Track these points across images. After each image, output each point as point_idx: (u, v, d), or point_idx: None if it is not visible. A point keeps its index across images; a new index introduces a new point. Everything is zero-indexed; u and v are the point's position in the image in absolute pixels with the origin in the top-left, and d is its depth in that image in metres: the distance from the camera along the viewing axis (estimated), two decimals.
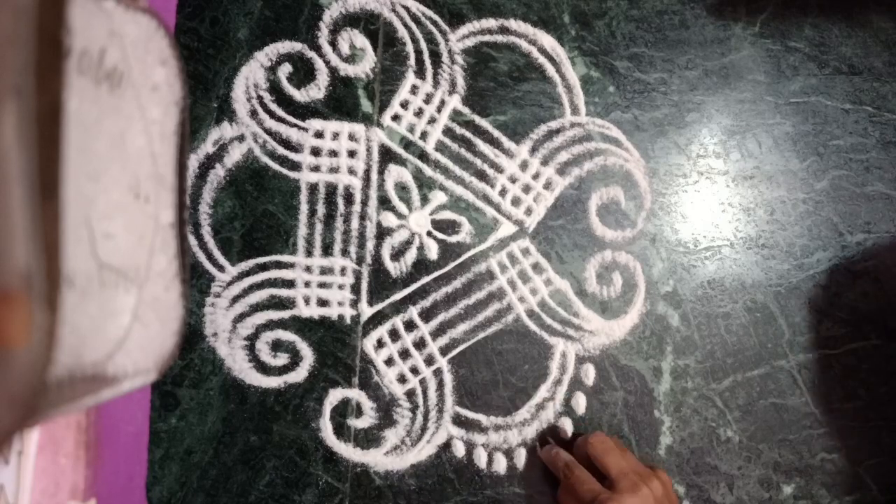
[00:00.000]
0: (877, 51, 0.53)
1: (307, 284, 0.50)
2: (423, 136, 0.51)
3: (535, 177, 0.51)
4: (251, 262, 0.50)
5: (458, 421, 0.50)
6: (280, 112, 0.50)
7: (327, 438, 0.49)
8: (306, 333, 0.50)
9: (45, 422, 0.23)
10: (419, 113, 0.51)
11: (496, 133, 0.51)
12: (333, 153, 0.50)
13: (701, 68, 0.52)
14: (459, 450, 0.49)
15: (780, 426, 0.50)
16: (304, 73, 0.51)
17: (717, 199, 0.52)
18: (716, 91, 0.52)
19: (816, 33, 0.53)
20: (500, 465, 0.49)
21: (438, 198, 0.51)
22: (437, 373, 0.50)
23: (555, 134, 0.51)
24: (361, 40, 0.51)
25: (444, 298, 0.50)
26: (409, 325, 0.50)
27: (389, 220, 0.50)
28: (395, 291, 0.50)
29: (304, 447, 0.49)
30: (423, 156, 0.51)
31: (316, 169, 0.50)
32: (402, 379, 0.50)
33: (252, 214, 0.50)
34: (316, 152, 0.50)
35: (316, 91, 0.51)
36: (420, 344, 0.50)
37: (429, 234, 0.51)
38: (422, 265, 0.50)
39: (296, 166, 0.50)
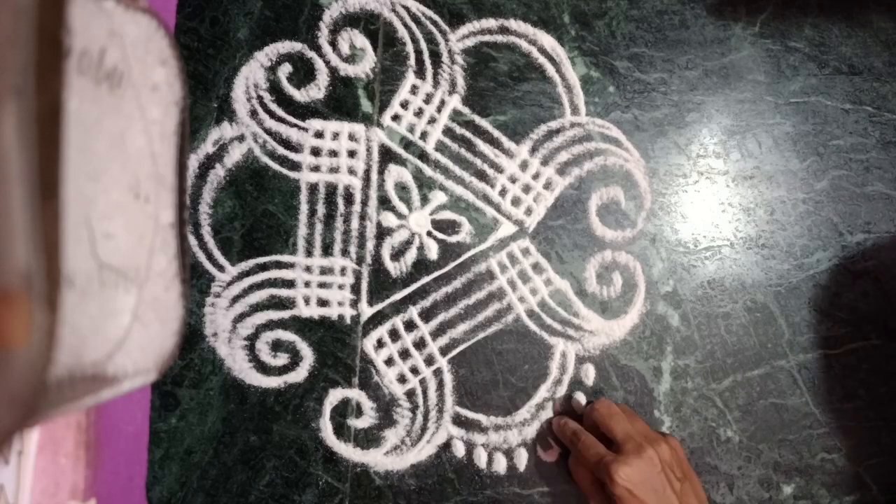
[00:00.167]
0: (877, 51, 0.53)
1: (307, 284, 0.50)
2: (423, 136, 0.51)
3: (535, 177, 0.51)
4: (251, 262, 0.50)
5: (458, 421, 0.50)
6: (280, 112, 0.50)
7: (327, 438, 0.49)
8: (306, 333, 0.50)
9: (45, 422, 0.23)
10: (419, 113, 0.51)
11: (496, 133, 0.51)
12: (333, 153, 0.50)
13: (701, 68, 0.52)
14: (459, 450, 0.49)
15: (780, 426, 0.50)
16: (304, 73, 0.51)
17: (717, 199, 0.52)
18: (716, 91, 0.52)
19: (816, 33, 0.53)
20: (500, 465, 0.49)
21: (438, 198, 0.51)
22: (437, 373, 0.50)
23: (555, 134, 0.51)
24: (361, 40, 0.51)
25: (444, 298, 0.50)
26: (409, 325, 0.50)
27: (389, 220, 0.50)
28: (395, 291, 0.50)
29: (304, 447, 0.49)
30: (423, 156, 0.51)
31: (316, 169, 0.50)
32: (402, 379, 0.50)
33: (252, 214, 0.50)
34: (316, 152, 0.50)
35: (316, 91, 0.51)
36: (420, 344, 0.50)
37: (429, 234, 0.51)
38: (422, 265, 0.50)
39: (296, 166, 0.50)
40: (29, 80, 0.14)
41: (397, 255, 0.50)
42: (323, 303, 0.50)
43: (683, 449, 0.50)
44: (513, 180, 0.51)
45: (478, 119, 0.51)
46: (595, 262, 0.51)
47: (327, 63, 0.51)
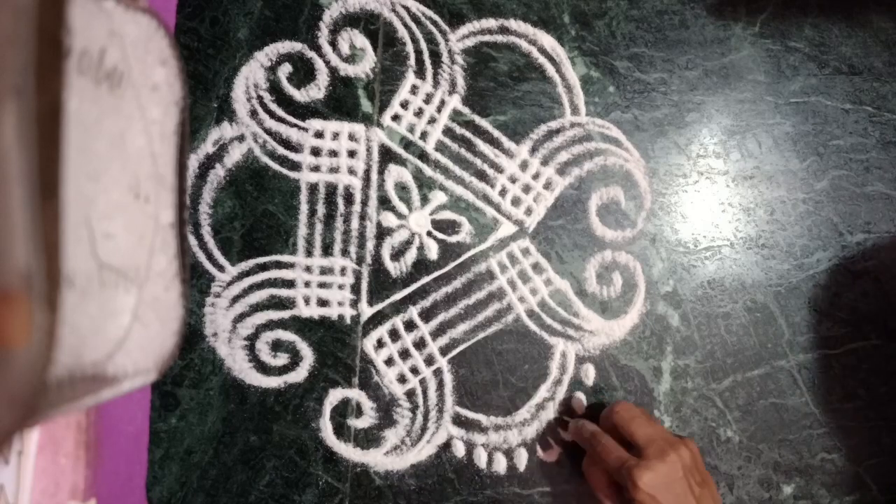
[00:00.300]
0: (877, 51, 0.53)
1: (307, 284, 0.50)
2: (423, 136, 0.51)
3: (535, 177, 0.51)
4: (251, 262, 0.50)
5: (458, 421, 0.50)
6: (280, 112, 0.50)
7: (327, 438, 0.49)
8: (306, 333, 0.50)
9: (45, 422, 0.23)
10: (419, 113, 0.51)
11: (496, 133, 0.51)
12: (333, 153, 0.50)
13: (701, 68, 0.52)
14: (459, 450, 0.49)
15: (780, 426, 0.50)
16: (304, 73, 0.51)
17: (717, 199, 0.52)
18: (716, 91, 0.52)
19: (816, 33, 0.53)
20: (500, 465, 0.49)
21: (438, 198, 0.51)
22: (437, 373, 0.50)
23: (555, 134, 0.51)
24: (361, 40, 0.51)
25: (444, 298, 0.50)
26: (409, 325, 0.50)
27: (389, 220, 0.50)
28: (395, 291, 0.50)
29: (304, 447, 0.49)
30: (423, 156, 0.51)
31: (316, 169, 0.50)
32: (402, 379, 0.50)
33: (252, 214, 0.50)
34: (316, 152, 0.50)
35: (316, 91, 0.51)
36: (420, 344, 0.50)
37: (429, 234, 0.51)
38: (422, 265, 0.50)
39: (296, 166, 0.50)
40: (29, 80, 0.14)
41: (397, 255, 0.50)
42: (323, 303, 0.50)
43: None
44: (513, 180, 0.51)
45: (478, 119, 0.51)
46: (595, 262, 0.51)
47: (327, 63, 0.51)
